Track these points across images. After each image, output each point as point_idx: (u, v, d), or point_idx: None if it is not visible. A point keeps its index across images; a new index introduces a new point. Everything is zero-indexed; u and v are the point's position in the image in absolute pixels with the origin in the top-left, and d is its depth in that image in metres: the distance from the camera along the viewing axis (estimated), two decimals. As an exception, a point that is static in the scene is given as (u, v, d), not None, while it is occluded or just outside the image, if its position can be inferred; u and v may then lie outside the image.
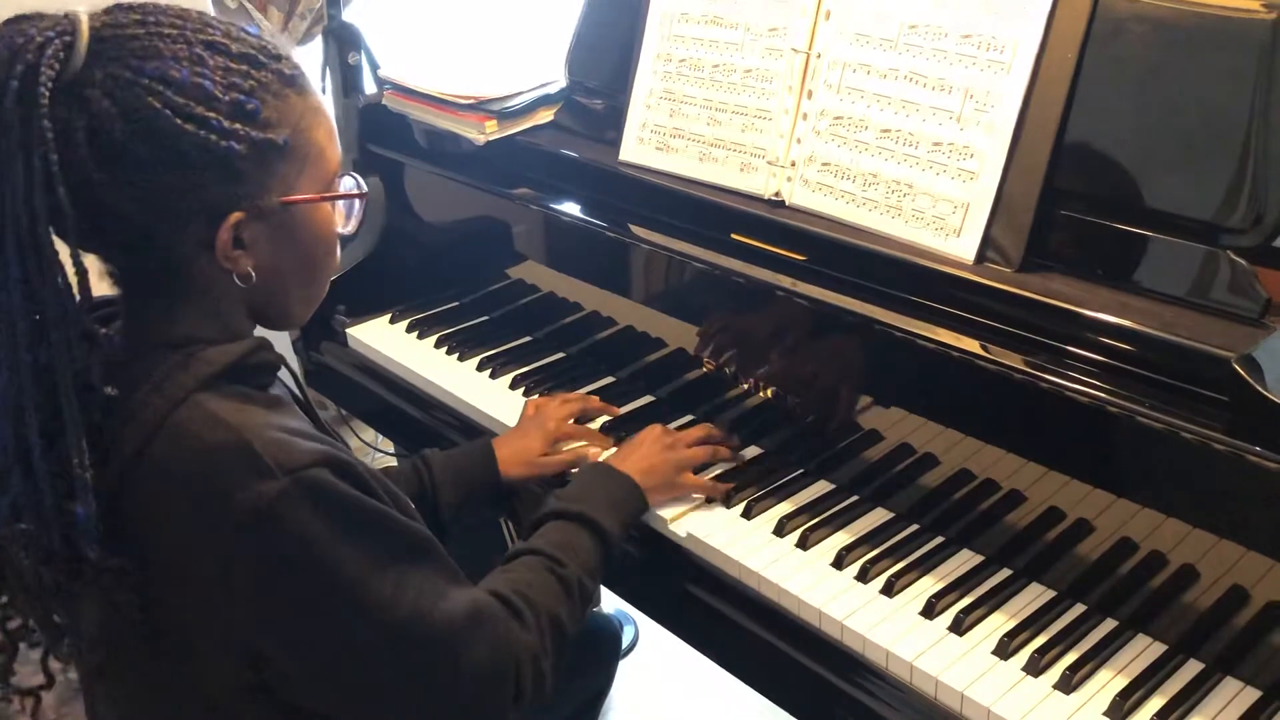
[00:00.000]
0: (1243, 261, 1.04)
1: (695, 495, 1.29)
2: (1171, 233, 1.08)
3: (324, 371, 1.79)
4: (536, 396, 1.52)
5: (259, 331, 1.02)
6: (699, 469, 1.32)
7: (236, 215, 0.90)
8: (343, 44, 2.03)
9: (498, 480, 1.35)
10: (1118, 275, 1.11)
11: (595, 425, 1.47)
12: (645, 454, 1.28)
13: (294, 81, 0.93)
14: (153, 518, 0.90)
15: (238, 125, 0.88)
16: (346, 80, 1.92)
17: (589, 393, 1.53)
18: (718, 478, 1.32)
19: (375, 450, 2.36)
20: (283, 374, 1.03)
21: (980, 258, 1.17)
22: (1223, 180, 1.05)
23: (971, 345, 1.11)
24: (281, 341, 1.91)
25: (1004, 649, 1.07)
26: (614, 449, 1.37)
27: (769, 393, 1.37)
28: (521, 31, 1.96)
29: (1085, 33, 1.11)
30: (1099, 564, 1.10)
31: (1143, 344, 1.03)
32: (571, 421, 1.44)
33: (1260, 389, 0.92)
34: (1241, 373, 0.94)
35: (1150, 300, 1.08)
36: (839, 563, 1.19)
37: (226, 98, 0.88)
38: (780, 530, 1.24)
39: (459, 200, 1.75)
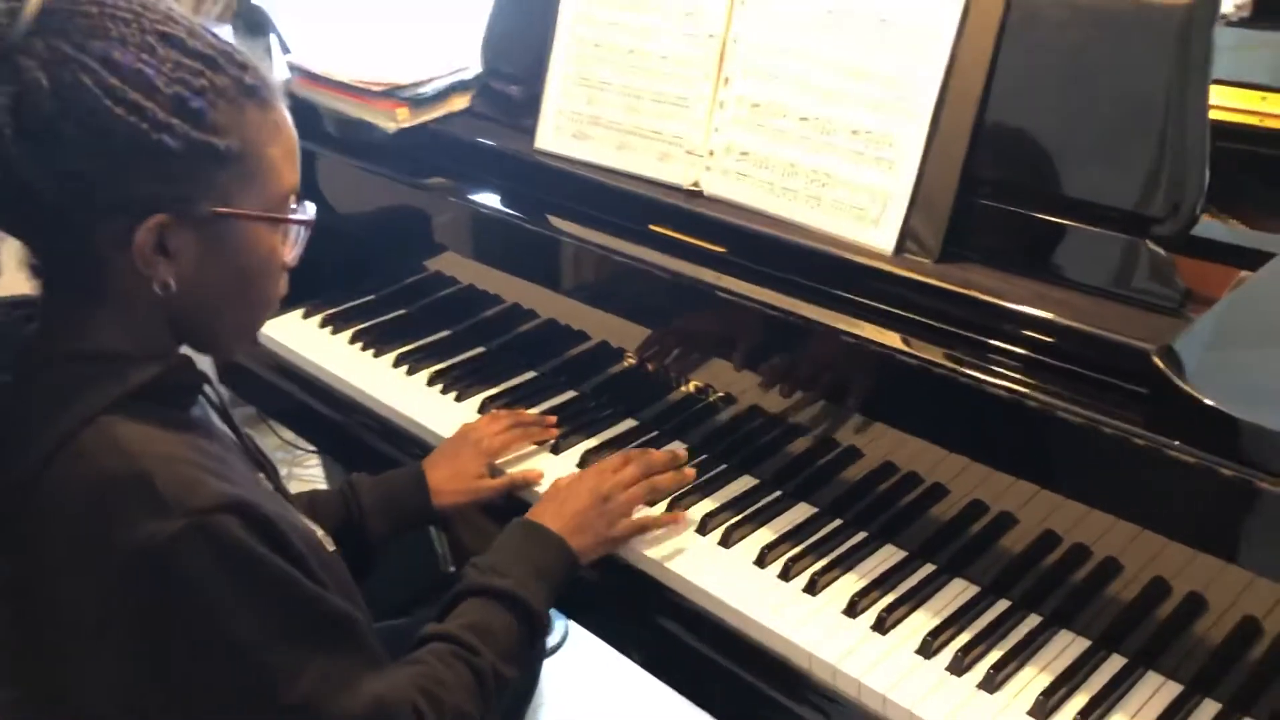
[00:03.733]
0: (1161, 251, 1.02)
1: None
2: (1091, 222, 1.06)
3: (237, 370, 1.72)
4: (453, 394, 1.48)
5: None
6: None
7: (161, 217, 0.83)
8: (252, 28, 1.96)
9: (429, 507, 1.28)
10: (1038, 266, 1.09)
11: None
12: (576, 508, 1.16)
13: (255, 93, 0.87)
14: (39, 542, 0.84)
15: (176, 121, 0.82)
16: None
17: (510, 388, 1.49)
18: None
19: (296, 449, 2.30)
20: (210, 391, 0.97)
21: (900, 248, 1.14)
22: (1140, 168, 1.04)
23: (891, 339, 1.09)
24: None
25: (927, 648, 1.05)
26: (544, 487, 1.28)
27: (692, 387, 1.34)
28: (438, 16, 1.89)
29: (1002, 18, 1.09)
30: (1021, 558, 1.09)
31: (1062, 336, 1.02)
32: (508, 431, 1.37)
33: (1179, 381, 0.90)
34: (1160, 365, 0.92)
35: (1070, 291, 1.06)
36: (761, 560, 1.16)
37: (170, 90, 0.82)
38: (703, 528, 1.21)
39: (373, 191, 1.69)
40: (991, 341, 1.05)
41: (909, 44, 1.13)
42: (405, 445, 1.46)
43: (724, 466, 1.31)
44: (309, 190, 1.77)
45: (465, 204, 1.49)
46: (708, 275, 1.23)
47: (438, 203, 1.56)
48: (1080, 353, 1.00)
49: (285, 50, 1.99)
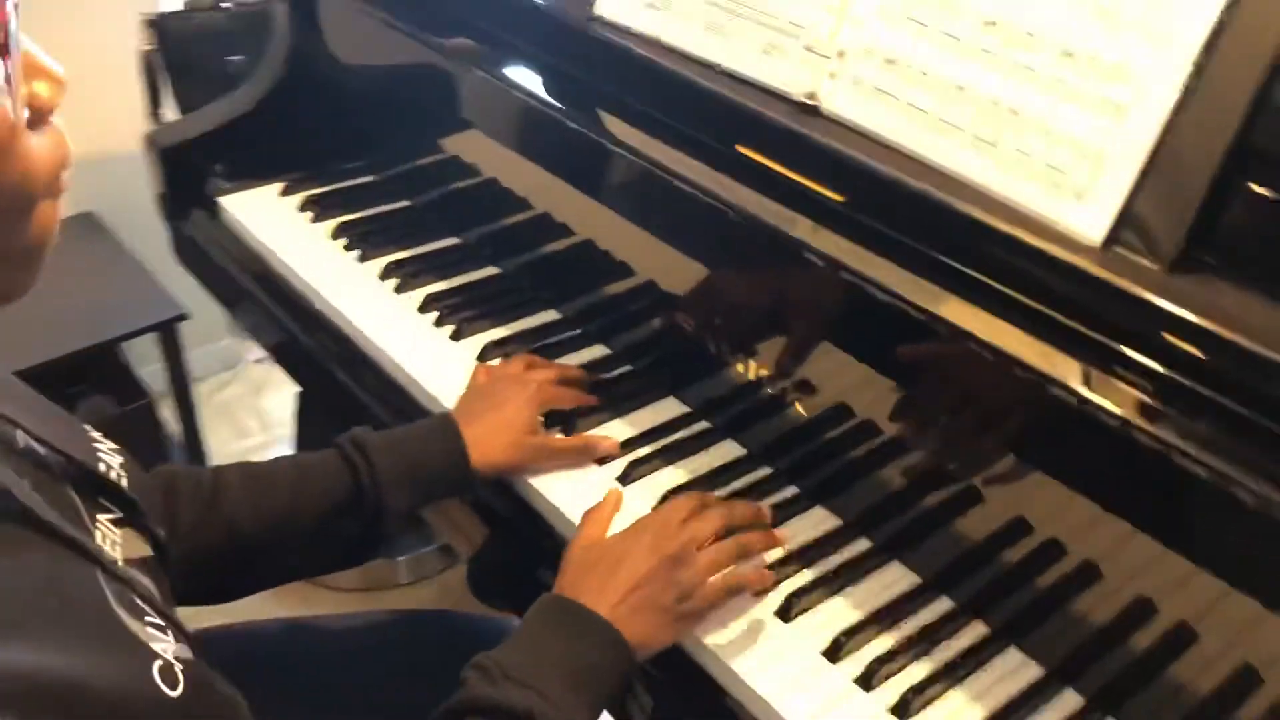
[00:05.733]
0: None
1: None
2: None
3: (190, 248, 1.37)
4: (449, 328, 1.13)
5: None
6: None
7: None
8: None
9: (466, 472, 0.93)
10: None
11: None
12: (632, 578, 0.79)
13: None
14: None
15: None
16: None
17: (522, 332, 1.14)
18: None
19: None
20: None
21: (1113, 239, 0.76)
22: None
23: (1097, 391, 0.72)
24: (144, 205, 1.48)
25: None
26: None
27: (756, 373, 0.98)
28: None
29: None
30: None
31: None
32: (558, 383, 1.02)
33: None
34: None
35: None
36: (834, 652, 0.82)
37: None
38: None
39: (391, 40, 1.30)
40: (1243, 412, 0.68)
41: (1182, -74, 0.73)
42: (374, 387, 1.11)
43: (790, 493, 0.96)
44: (306, 30, 1.41)
45: (488, 78, 1.11)
46: (805, 229, 0.86)
47: (461, 69, 1.18)
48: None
49: None
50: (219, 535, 0.86)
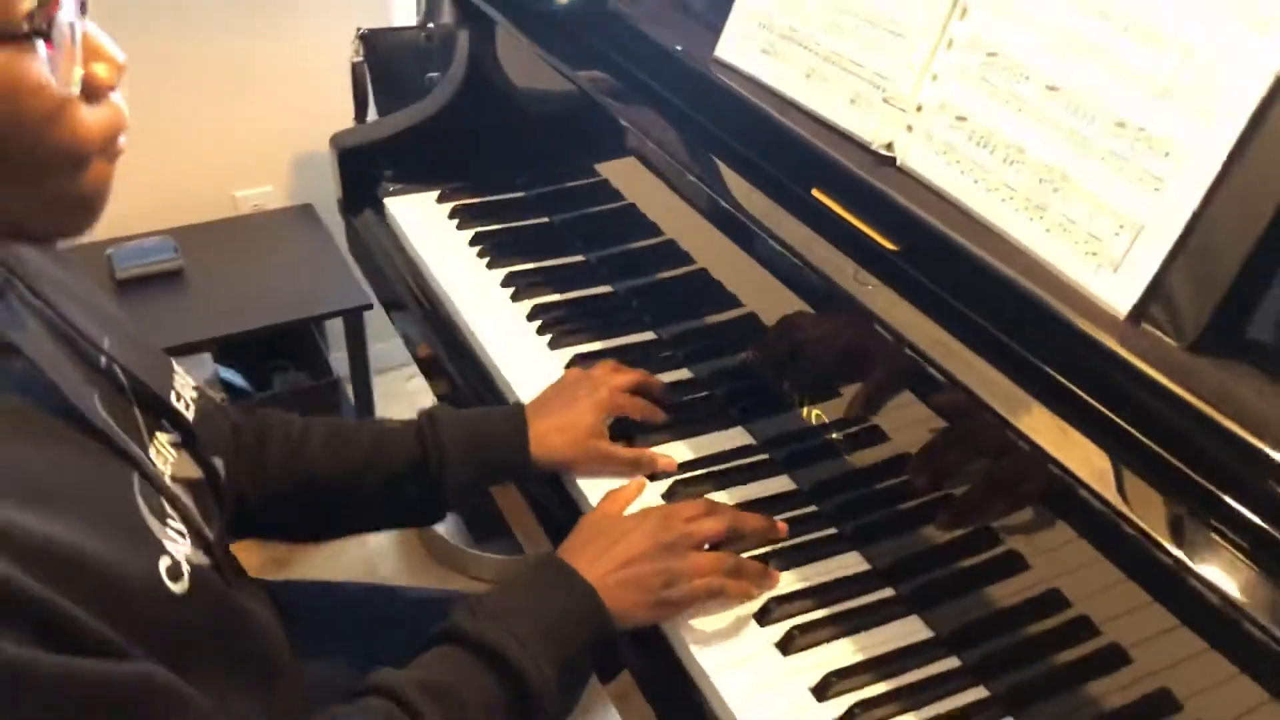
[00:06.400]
0: None
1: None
2: None
3: (359, 243, 1.51)
4: (548, 336, 1.20)
5: None
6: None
7: None
8: None
9: (525, 460, 1.01)
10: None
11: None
12: (626, 554, 0.86)
13: None
14: None
15: None
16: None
17: (614, 349, 1.20)
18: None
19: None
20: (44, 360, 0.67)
21: (1139, 314, 0.74)
22: None
23: (1087, 460, 0.71)
24: (327, 199, 1.64)
25: None
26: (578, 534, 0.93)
27: (813, 417, 1.00)
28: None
29: None
30: None
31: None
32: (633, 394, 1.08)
33: None
34: None
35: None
36: (821, 690, 0.83)
37: None
38: (763, 617, 0.88)
39: (546, 69, 1.39)
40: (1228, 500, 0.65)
41: (1237, 9, 0.71)
42: (471, 376, 1.20)
43: (829, 531, 0.97)
44: (485, 58, 1.52)
45: (605, 108, 1.18)
46: (848, 280, 0.88)
47: (601, 102, 1.25)
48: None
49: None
50: (299, 479, 0.97)
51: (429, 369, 1.38)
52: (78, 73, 0.61)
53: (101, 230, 0.72)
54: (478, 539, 2.06)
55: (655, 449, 1.05)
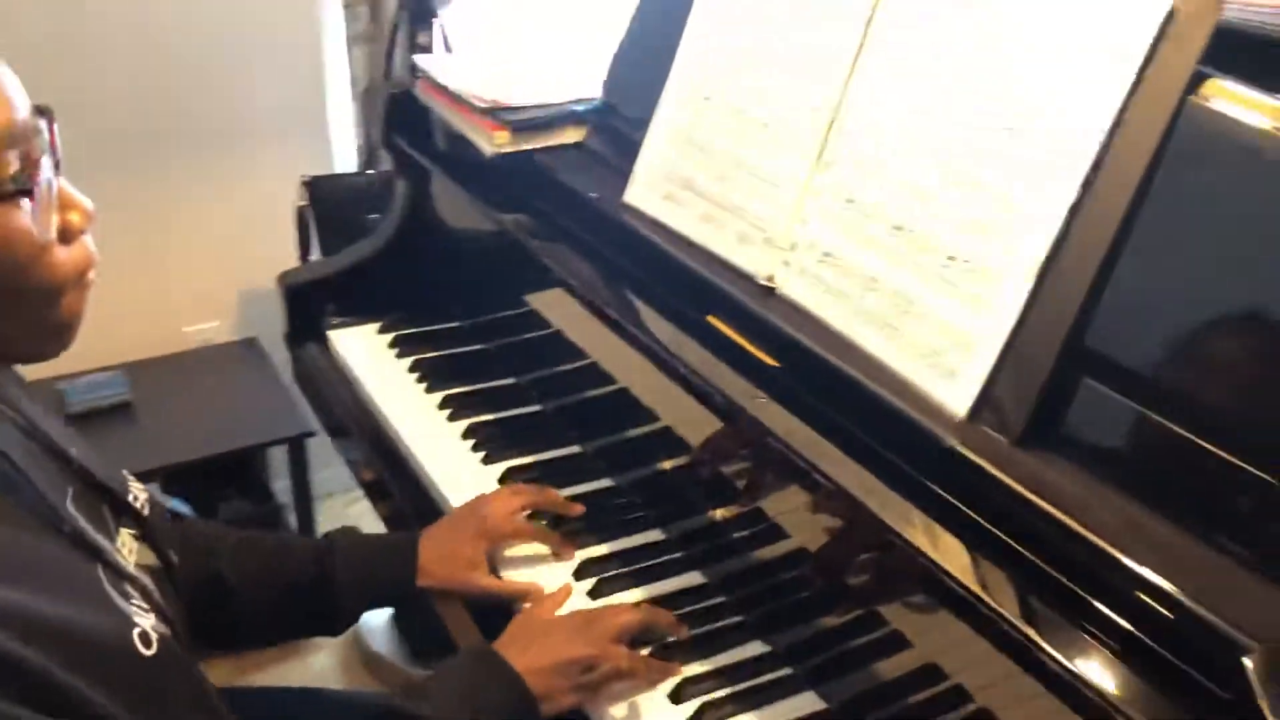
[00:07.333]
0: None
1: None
2: (1232, 450, 0.77)
3: (305, 374, 1.63)
4: (482, 453, 1.32)
5: None
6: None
7: None
8: (417, 16, 1.88)
9: (410, 587, 1.12)
10: (1138, 483, 0.81)
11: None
12: (550, 645, 0.97)
13: None
14: None
15: None
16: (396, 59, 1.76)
17: (542, 461, 1.32)
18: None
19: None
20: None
21: (975, 414, 0.89)
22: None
23: (939, 545, 0.84)
24: (271, 332, 1.74)
25: None
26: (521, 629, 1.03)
27: (719, 515, 1.13)
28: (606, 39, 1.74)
29: (1157, 149, 0.82)
30: None
31: (1155, 597, 0.74)
32: (524, 517, 1.18)
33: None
34: (1252, 676, 0.64)
35: (1173, 530, 0.77)
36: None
37: None
38: (678, 696, 0.99)
39: (475, 211, 1.54)
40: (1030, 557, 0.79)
41: (1037, 162, 0.88)
42: (411, 493, 1.31)
43: (736, 619, 1.09)
44: (421, 200, 1.67)
45: (528, 247, 1.33)
46: (738, 392, 1.01)
47: (523, 241, 1.40)
48: (1163, 621, 0.72)
49: (447, 48, 1.90)
50: (206, 581, 1.07)
51: (373, 491, 1.48)
52: (55, 220, 0.74)
53: (54, 365, 0.85)
54: (416, 656, 2.13)
55: (577, 552, 1.16)
